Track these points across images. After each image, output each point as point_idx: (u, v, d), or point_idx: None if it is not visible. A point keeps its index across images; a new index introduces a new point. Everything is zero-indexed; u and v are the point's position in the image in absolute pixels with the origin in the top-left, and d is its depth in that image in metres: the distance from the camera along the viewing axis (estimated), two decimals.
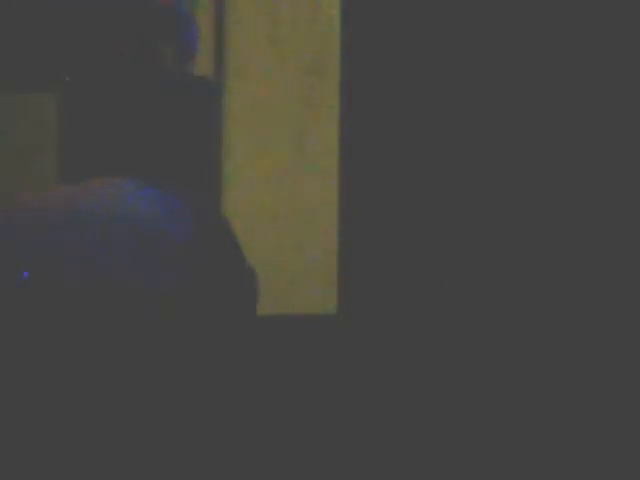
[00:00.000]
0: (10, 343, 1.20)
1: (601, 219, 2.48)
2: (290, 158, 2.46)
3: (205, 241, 1.32)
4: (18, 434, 1.22)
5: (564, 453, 2.36)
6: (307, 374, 2.43)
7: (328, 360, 2.43)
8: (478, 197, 2.49)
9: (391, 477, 2.31)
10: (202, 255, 1.30)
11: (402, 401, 2.42)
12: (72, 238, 1.24)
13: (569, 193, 2.49)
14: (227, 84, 2.45)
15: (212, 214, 1.39)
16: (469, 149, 2.49)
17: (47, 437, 1.22)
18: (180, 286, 1.26)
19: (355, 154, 2.49)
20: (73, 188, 1.34)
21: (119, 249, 1.25)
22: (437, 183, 2.49)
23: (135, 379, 1.24)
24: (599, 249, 2.48)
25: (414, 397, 2.42)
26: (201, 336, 1.28)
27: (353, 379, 2.43)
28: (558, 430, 2.40)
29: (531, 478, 2.33)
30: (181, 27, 1.42)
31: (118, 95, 1.48)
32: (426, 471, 2.32)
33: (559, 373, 2.45)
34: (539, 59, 2.49)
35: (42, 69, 1.41)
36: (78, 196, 1.31)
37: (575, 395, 2.43)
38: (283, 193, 2.45)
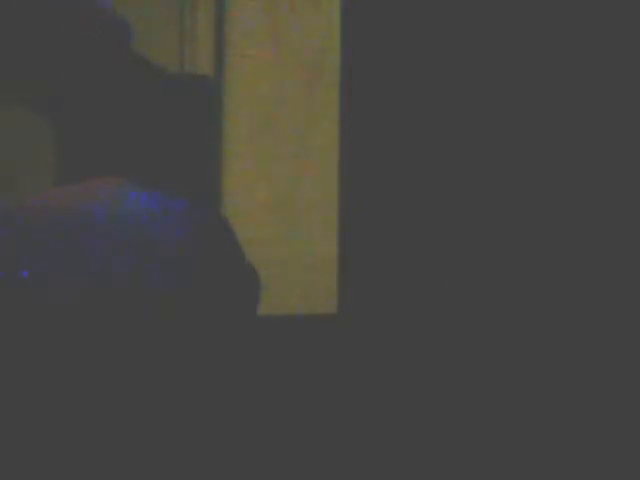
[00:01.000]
0: (9, 343, 1.20)
1: (601, 219, 2.48)
2: (290, 158, 2.45)
3: (205, 241, 1.32)
4: (18, 434, 1.22)
5: (564, 453, 2.36)
6: (307, 374, 2.42)
7: (328, 360, 2.43)
8: (478, 197, 2.48)
9: (391, 477, 2.31)
10: (202, 255, 1.30)
11: (402, 401, 2.42)
12: (71, 238, 1.24)
13: (570, 193, 2.48)
14: (227, 84, 2.44)
15: (211, 214, 1.39)
16: (470, 149, 2.49)
17: (47, 437, 1.22)
18: (180, 287, 1.26)
19: (355, 154, 2.48)
20: (72, 188, 1.34)
21: (118, 250, 1.25)
22: (438, 183, 2.49)
23: (135, 380, 1.24)
24: (599, 249, 2.48)
25: (414, 397, 2.42)
26: (201, 336, 1.27)
27: (353, 379, 2.43)
28: (558, 430, 2.40)
29: (531, 478, 2.32)
30: None
31: (117, 95, 1.47)
32: (426, 471, 2.32)
33: (559, 373, 2.45)
34: (539, 57, 2.49)
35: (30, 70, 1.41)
36: (77, 196, 1.31)
37: (575, 395, 2.43)
38: (283, 193, 2.45)
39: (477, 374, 2.44)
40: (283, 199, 2.45)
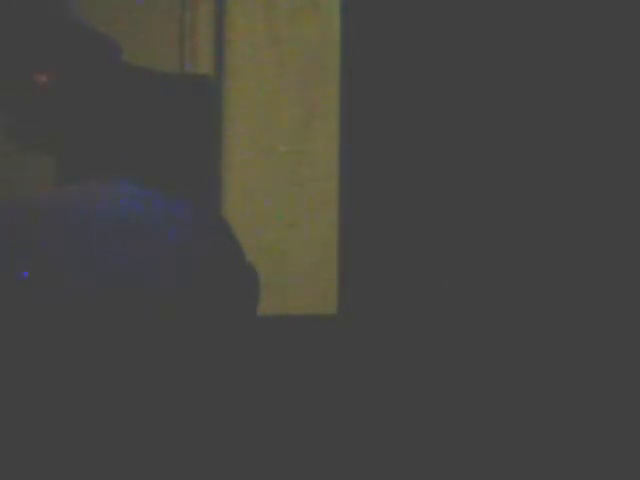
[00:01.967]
0: (9, 343, 1.20)
1: (601, 219, 2.48)
2: (290, 158, 2.45)
3: (205, 242, 1.32)
4: (18, 434, 1.22)
5: (564, 453, 2.36)
6: (307, 374, 2.42)
7: (328, 360, 2.43)
8: (479, 197, 2.48)
9: (391, 477, 2.31)
10: (202, 256, 1.30)
11: (402, 401, 2.42)
12: (71, 239, 1.24)
13: (569, 193, 2.48)
14: (227, 84, 2.44)
15: (211, 214, 1.39)
16: (470, 149, 2.49)
17: (47, 437, 1.22)
18: (180, 286, 1.26)
19: (355, 154, 2.48)
20: (71, 189, 1.34)
21: (118, 250, 1.25)
22: (438, 183, 2.49)
23: (136, 380, 1.24)
24: (599, 249, 2.48)
25: (414, 397, 2.42)
26: (202, 336, 1.28)
27: (353, 379, 2.43)
28: (558, 430, 2.40)
29: (531, 478, 2.33)
30: None
31: (116, 95, 1.47)
32: (426, 471, 2.32)
33: (559, 373, 2.45)
34: (540, 56, 2.49)
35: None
36: (76, 197, 1.31)
37: (575, 395, 2.43)
38: (283, 192, 2.45)
39: (476, 374, 2.44)
40: (283, 199, 2.45)
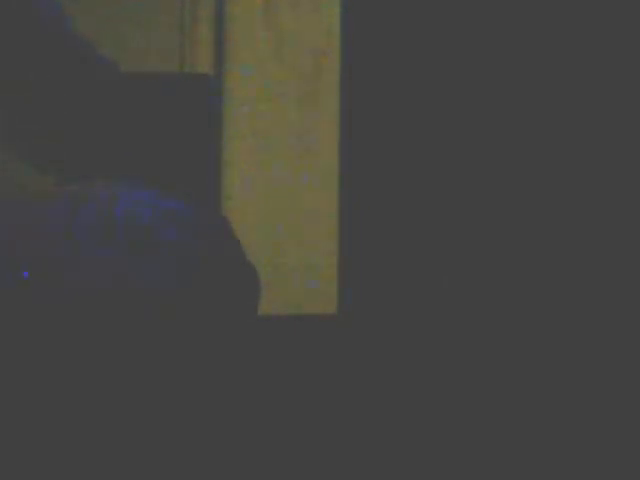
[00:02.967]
0: (9, 343, 1.20)
1: (601, 219, 2.48)
2: (290, 158, 2.45)
3: (205, 241, 1.32)
4: (19, 434, 1.22)
5: (564, 453, 2.36)
6: (307, 374, 2.42)
7: (328, 360, 2.43)
8: (479, 198, 2.48)
9: (391, 477, 2.31)
10: (202, 255, 1.30)
11: (402, 401, 2.42)
12: (71, 239, 1.24)
13: (569, 194, 2.48)
14: (227, 84, 2.44)
15: (211, 214, 1.39)
16: (470, 149, 2.49)
17: (47, 436, 1.22)
18: (180, 287, 1.26)
19: (355, 154, 2.48)
20: (72, 189, 1.34)
21: (118, 251, 1.25)
22: (438, 183, 2.49)
23: (135, 381, 1.23)
24: (599, 249, 2.48)
25: (414, 397, 2.42)
26: (202, 337, 1.27)
27: (353, 379, 2.43)
28: (558, 430, 2.40)
29: (531, 478, 2.32)
30: None
31: (115, 95, 1.47)
32: (426, 471, 2.32)
33: (559, 373, 2.45)
34: (540, 56, 2.49)
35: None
36: (77, 197, 1.30)
37: (575, 395, 2.43)
38: (283, 193, 2.45)
39: (476, 374, 2.44)
40: (283, 199, 2.45)
